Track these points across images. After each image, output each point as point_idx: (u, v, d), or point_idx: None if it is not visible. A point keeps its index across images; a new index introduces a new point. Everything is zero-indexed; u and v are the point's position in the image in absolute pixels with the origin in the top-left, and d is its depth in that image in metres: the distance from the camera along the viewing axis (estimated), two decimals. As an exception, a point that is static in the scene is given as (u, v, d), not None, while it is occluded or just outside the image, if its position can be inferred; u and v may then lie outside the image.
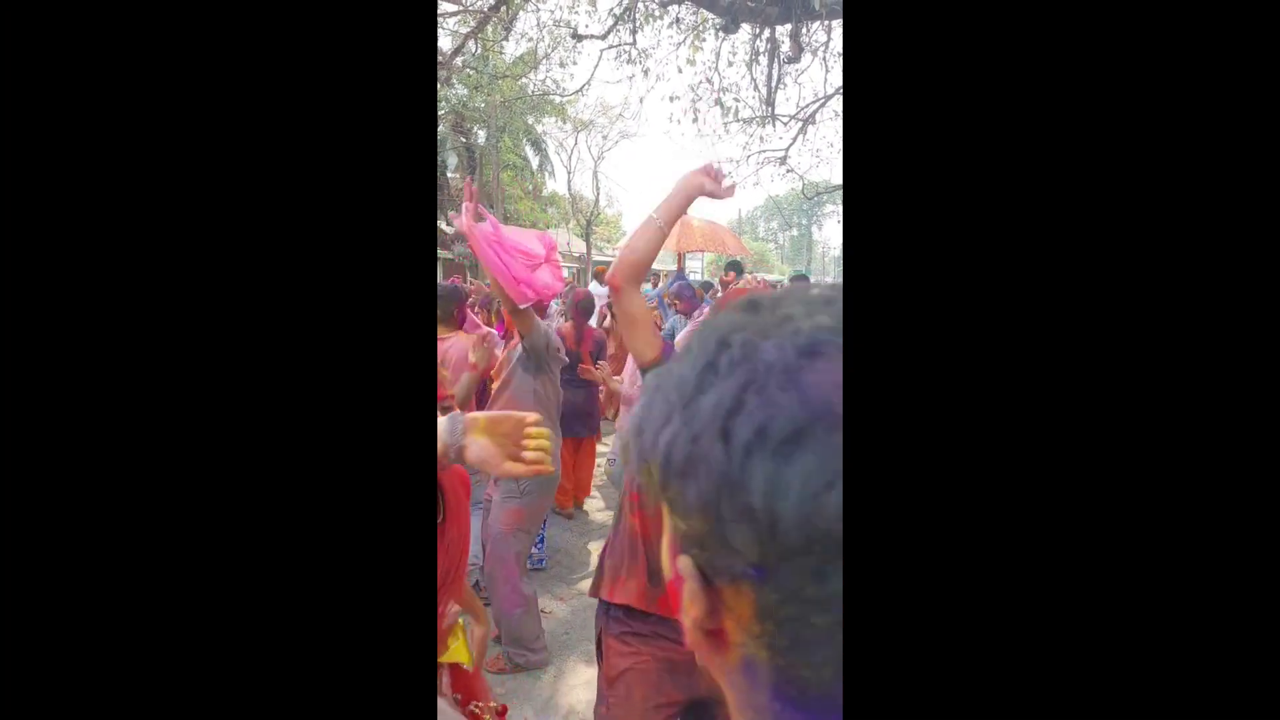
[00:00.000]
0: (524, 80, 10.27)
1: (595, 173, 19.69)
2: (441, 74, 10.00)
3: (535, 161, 15.03)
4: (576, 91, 9.28)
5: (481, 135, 10.20)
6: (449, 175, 11.49)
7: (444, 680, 1.15)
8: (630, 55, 6.52)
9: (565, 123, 14.04)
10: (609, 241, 20.36)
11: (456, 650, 1.14)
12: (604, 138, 17.23)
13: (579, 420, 3.34)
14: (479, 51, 9.96)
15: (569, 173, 17.44)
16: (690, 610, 0.29)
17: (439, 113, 10.01)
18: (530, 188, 13.50)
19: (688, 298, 4.03)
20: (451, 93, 9.82)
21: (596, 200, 17.84)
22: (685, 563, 0.29)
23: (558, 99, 10.94)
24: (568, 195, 16.81)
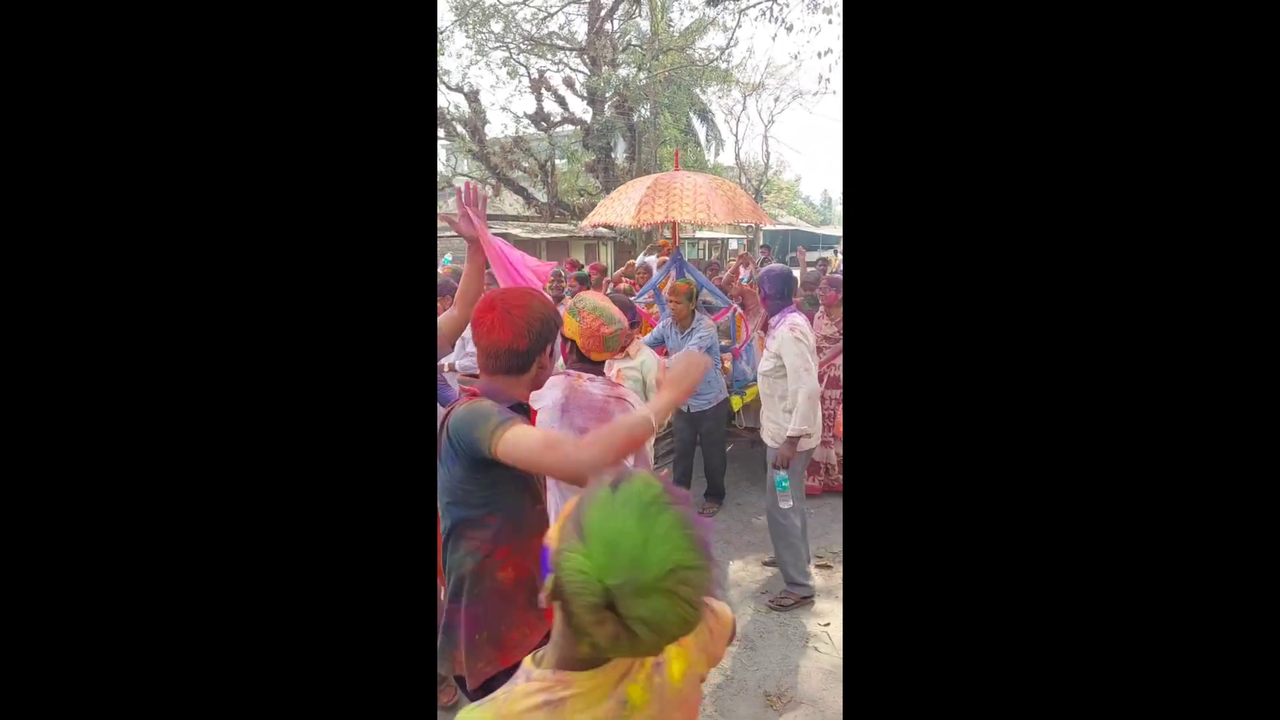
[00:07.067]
0: (689, 50, 10.17)
1: (765, 137, 19.04)
2: (606, 55, 10.24)
3: (702, 133, 14.87)
4: (722, 49, 8.96)
5: (646, 112, 10.31)
6: (618, 160, 11.67)
7: None
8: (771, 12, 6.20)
9: (731, 88, 13.71)
10: (782, 208, 19.71)
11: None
12: (775, 100, 16.56)
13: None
14: (648, 29, 10.04)
15: (737, 140, 17.06)
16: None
17: (606, 95, 10.26)
18: (692, 161, 13.44)
19: (776, 293, 2.17)
20: (616, 75, 9.99)
21: (766, 166, 17.31)
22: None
23: (722, 65, 10.69)
24: (734, 165, 16.48)
